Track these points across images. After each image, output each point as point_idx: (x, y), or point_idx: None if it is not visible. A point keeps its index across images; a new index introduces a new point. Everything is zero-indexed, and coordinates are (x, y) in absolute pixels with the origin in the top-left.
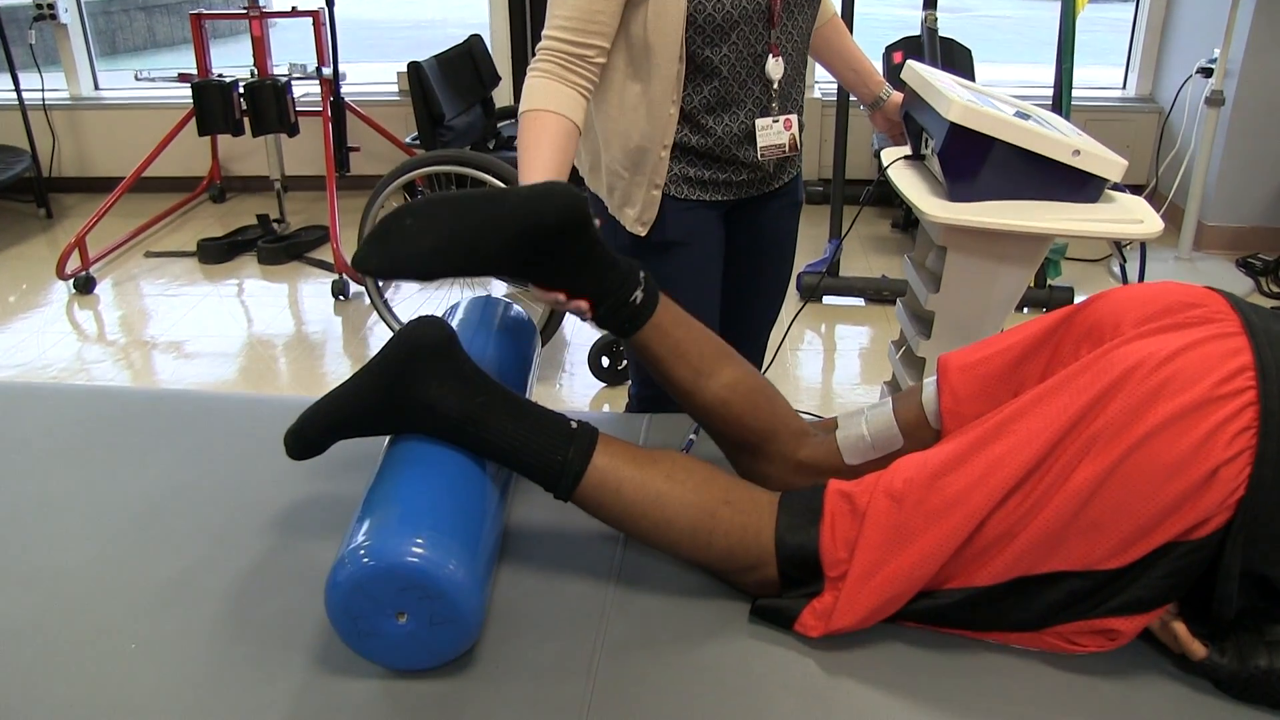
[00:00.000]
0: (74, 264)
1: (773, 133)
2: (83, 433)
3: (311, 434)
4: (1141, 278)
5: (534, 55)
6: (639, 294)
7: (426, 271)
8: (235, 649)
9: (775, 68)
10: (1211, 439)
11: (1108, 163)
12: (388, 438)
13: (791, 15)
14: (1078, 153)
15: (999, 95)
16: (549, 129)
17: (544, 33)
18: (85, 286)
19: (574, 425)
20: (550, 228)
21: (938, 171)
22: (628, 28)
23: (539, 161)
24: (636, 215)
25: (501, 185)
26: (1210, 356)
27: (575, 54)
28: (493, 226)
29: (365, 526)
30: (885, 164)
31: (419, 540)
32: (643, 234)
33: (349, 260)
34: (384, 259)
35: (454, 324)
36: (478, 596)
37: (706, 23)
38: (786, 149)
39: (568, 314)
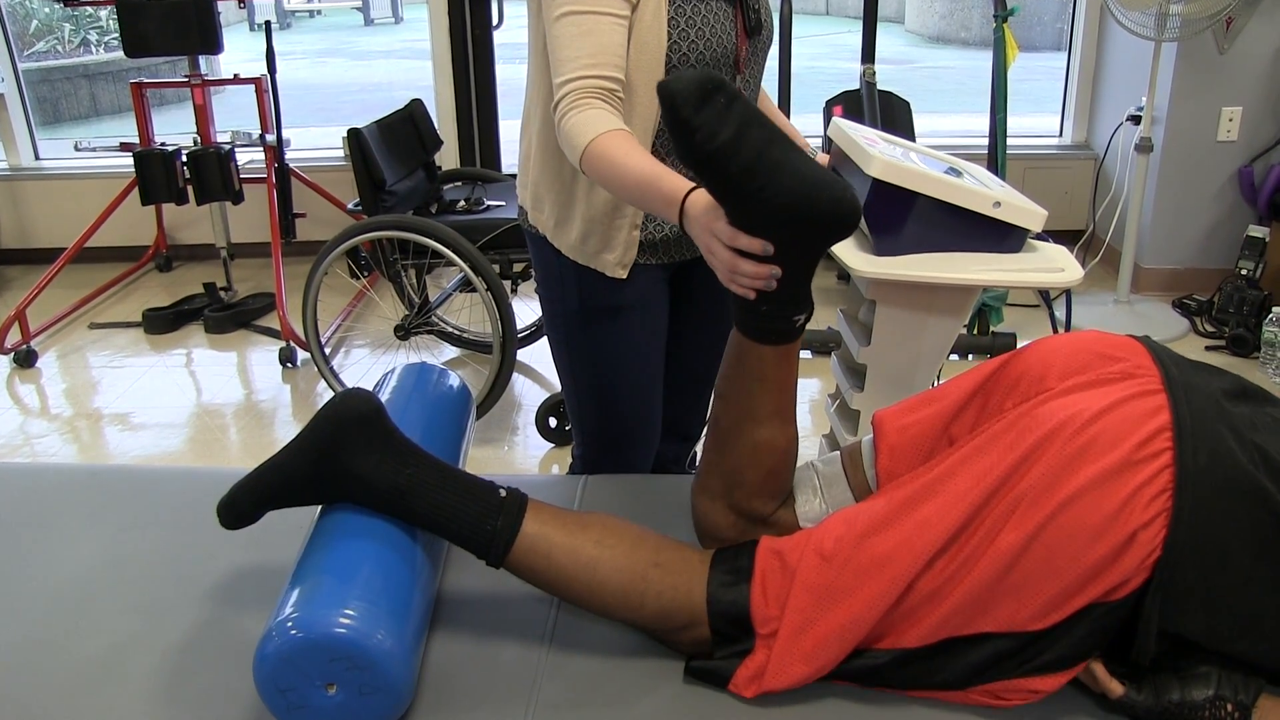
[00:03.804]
0: (14, 337)
1: None
2: (14, 511)
3: (243, 504)
4: (1069, 324)
5: (558, 103)
6: (803, 319)
7: (703, 149)
8: None
9: None
10: (1130, 503)
11: (1028, 214)
12: (320, 506)
13: (751, 64)
14: (998, 205)
15: (929, 151)
16: (635, 141)
17: (562, 78)
18: (26, 360)
19: (503, 493)
20: (826, 218)
21: (864, 226)
22: None
23: (660, 168)
24: (617, 259)
25: (449, 248)
26: (1130, 417)
27: (605, 89)
28: (786, 174)
29: (293, 598)
30: None
31: (347, 610)
32: (623, 276)
33: (295, 327)
34: (695, 108)
35: (387, 392)
36: (407, 665)
37: (681, 63)
38: None
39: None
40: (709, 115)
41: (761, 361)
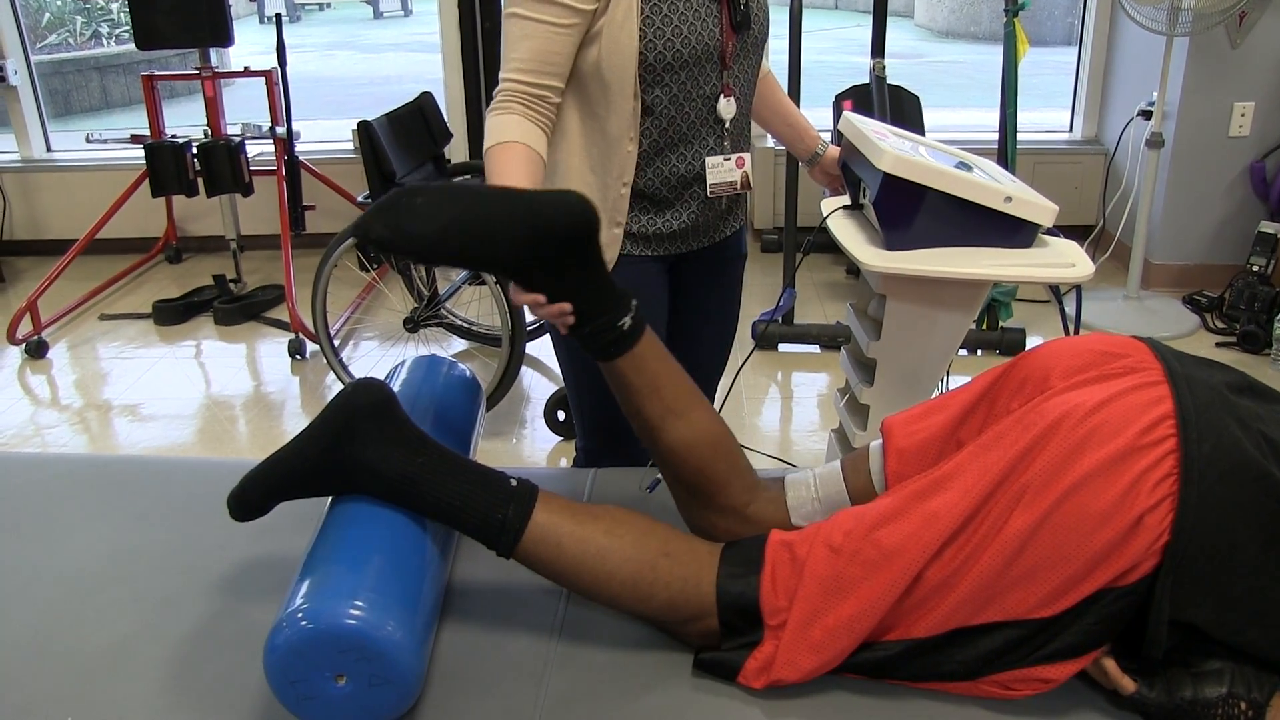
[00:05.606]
0: (25, 328)
1: (724, 170)
2: (24, 500)
3: (254, 496)
4: (1078, 319)
5: (491, 98)
6: (628, 320)
7: (427, 252)
8: (173, 717)
9: (727, 108)
10: (1135, 487)
11: (1039, 208)
12: (330, 497)
13: (740, 59)
14: (1009, 199)
15: (940, 145)
16: (519, 155)
17: (501, 75)
18: (37, 351)
19: (514, 483)
20: (561, 234)
21: (875, 220)
22: (582, 66)
23: (513, 184)
24: None
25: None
26: (1133, 406)
27: (533, 94)
28: (504, 223)
29: (304, 589)
30: (825, 214)
31: (357, 602)
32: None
33: (305, 319)
34: (388, 230)
35: (397, 384)
36: (417, 656)
37: (658, 61)
38: (739, 186)
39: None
40: (407, 226)
41: (621, 374)
